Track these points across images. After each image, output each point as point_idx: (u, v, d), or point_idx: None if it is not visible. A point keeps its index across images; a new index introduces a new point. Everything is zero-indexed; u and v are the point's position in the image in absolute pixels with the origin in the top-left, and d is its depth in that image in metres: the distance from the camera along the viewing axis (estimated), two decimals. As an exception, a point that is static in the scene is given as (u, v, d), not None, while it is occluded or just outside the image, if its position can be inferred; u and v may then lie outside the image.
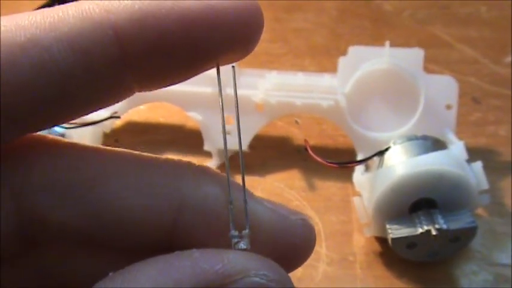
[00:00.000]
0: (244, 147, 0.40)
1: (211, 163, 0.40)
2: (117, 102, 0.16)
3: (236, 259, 0.14)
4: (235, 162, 0.43)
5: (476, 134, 0.41)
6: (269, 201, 0.17)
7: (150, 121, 0.44)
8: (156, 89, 0.16)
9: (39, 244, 0.16)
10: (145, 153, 0.17)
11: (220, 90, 0.17)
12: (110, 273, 0.14)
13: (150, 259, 0.14)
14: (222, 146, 0.40)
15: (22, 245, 0.16)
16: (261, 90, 0.39)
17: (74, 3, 0.15)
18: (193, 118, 0.40)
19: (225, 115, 0.45)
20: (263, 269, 0.14)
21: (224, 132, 0.18)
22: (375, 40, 0.49)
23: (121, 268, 0.14)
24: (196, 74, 0.16)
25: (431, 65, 0.45)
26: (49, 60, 0.14)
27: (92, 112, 0.15)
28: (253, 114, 0.40)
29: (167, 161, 0.17)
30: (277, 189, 0.39)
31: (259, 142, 0.41)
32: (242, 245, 0.15)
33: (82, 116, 0.16)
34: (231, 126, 0.40)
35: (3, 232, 0.15)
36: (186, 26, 0.14)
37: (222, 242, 0.15)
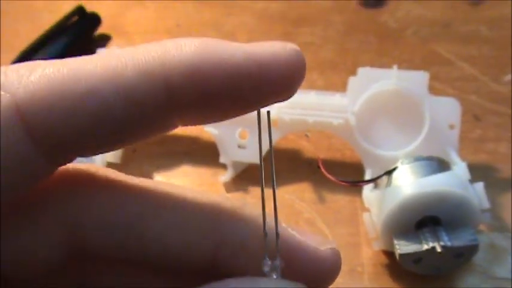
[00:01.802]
0: (258, 160, 0.42)
1: (226, 175, 0.42)
2: (162, 133, 0.17)
3: (267, 284, 0.15)
4: (248, 174, 0.45)
5: (477, 151, 0.42)
6: (301, 231, 0.18)
7: (168, 133, 0.46)
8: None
9: (81, 264, 0.18)
10: (183, 187, 0.18)
11: (259, 136, 0.19)
12: None
13: None
14: (236, 158, 0.42)
15: (65, 265, 0.17)
16: (275, 107, 0.41)
17: (131, 51, 0.16)
18: (208, 131, 0.42)
19: (239, 130, 0.46)
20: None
21: (261, 177, 0.18)
22: (380, 56, 0.51)
23: None
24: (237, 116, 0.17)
25: (434, 82, 0.46)
26: (105, 109, 0.15)
27: (142, 140, 0.17)
28: (267, 130, 0.41)
29: (205, 196, 0.18)
30: (288, 201, 0.41)
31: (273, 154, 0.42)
32: (274, 275, 0.17)
33: (135, 141, 0.17)
34: (245, 141, 0.42)
35: (51, 258, 0.17)
36: (232, 82, 0.16)
37: (258, 272, 0.17)
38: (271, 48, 0.16)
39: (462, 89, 0.47)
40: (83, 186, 0.17)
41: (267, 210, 0.17)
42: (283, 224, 0.17)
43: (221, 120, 0.17)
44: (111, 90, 0.15)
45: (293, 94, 0.17)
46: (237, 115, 0.17)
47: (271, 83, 0.16)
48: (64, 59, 0.16)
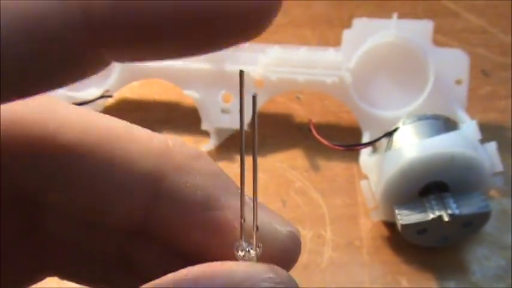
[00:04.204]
0: (244, 125, 0.38)
1: (209, 143, 0.39)
2: (94, 73, 0.14)
3: (237, 269, 0.14)
4: (234, 141, 0.41)
5: (486, 109, 0.39)
6: (262, 206, 0.16)
7: (144, 98, 0.42)
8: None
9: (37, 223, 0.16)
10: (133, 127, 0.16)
11: (241, 97, 0.15)
12: None
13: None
14: (220, 125, 0.38)
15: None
16: (261, 65, 0.37)
17: None
18: (189, 96, 0.38)
19: (223, 92, 0.42)
20: (268, 273, 0.14)
21: (242, 148, 0.15)
22: (379, 8, 0.47)
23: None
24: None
25: (437, 35, 0.42)
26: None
27: (69, 84, 0.14)
28: (253, 91, 0.38)
29: (150, 142, 0.15)
30: (279, 170, 0.38)
31: (259, 119, 0.38)
32: (251, 253, 0.15)
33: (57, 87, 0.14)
34: (229, 105, 0.38)
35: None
36: (175, 13, 0.12)
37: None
38: None
39: (469, 41, 0.43)
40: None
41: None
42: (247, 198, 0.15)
43: (166, 59, 0.13)
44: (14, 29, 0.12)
45: (262, 30, 0.13)
46: (186, 56, 0.13)
47: (230, 15, 0.12)
48: None
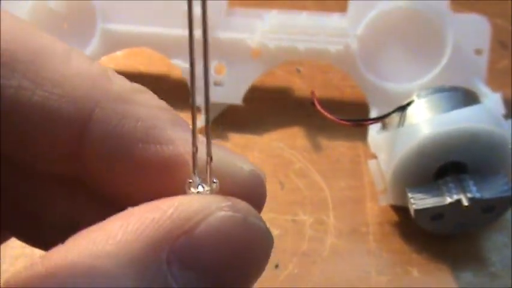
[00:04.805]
0: (238, 100, 0.35)
1: (200, 119, 0.35)
2: None
3: (190, 200, 0.12)
4: (227, 118, 0.38)
5: (504, 84, 0.36)
6: (223, 147, 0.14)
7: (128, 69, 0.39)
8: None
9: None
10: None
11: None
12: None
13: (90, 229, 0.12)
14: (212, 99, 0.35)
15: None
16: (258, 33, 0.33)
17: None
18: (178, 66, 0.35)
19: (215, 63, 0.38)
20: (225, 201, 0.12)
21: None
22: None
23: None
24: None
25: (451, 3, 0.39)
26: None
27: None
28: (248, 62, 0.34)
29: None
30: (276, 150, 0.35)
31: (255, 94, 0.36)
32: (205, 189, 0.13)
33: None
34: (222, 77, 0.35)
35: None
36: None
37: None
38: None
39: (484, 10, 0.40)
40: None
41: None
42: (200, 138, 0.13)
43: None
44: None
45: None
46: None
47: None
48: None
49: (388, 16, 0.32)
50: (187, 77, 0.35)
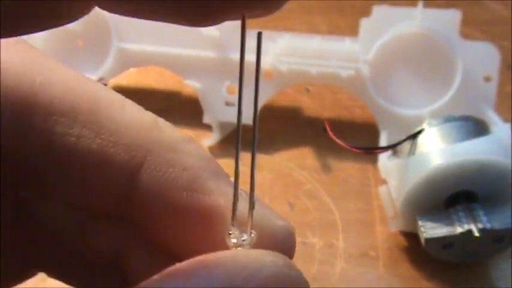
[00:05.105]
0: (248, 120, 0.35)
1: (211, 138, 0.35)
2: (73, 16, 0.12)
3: (235, 255, 0.12)
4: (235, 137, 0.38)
5: None
6: (258, 201, 0.14)
7: (141, 86, 0.39)
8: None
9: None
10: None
11: (242, 53, 0.13)
12: None
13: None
14: (224, 118, 0.35)
15: None
16: (270, 55, 0.33)
17: None
18: (191, 86, 0.35)
19: (227, 83, 0.39)
20: (269, 256, 0.12)
21: (239, 120, 0.14)
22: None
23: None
24: None
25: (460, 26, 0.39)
26: None
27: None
28: (260, 83, 0.34)
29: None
30: (286, 169, 0.35)
31: (265, 113, 0.36)
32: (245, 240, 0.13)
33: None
34: (234, 97, 0.35)
35: None
36: None
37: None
38: None
39: (493, 33, 0.40)
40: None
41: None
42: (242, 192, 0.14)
43: (151, 17, 0.11)
44: None
45: (271, 7, 0.11)
46: (178, 22, 0.11)
47: None
48: None
49: (399, 41, 0.33)
50: (200, 96, 0.35)
